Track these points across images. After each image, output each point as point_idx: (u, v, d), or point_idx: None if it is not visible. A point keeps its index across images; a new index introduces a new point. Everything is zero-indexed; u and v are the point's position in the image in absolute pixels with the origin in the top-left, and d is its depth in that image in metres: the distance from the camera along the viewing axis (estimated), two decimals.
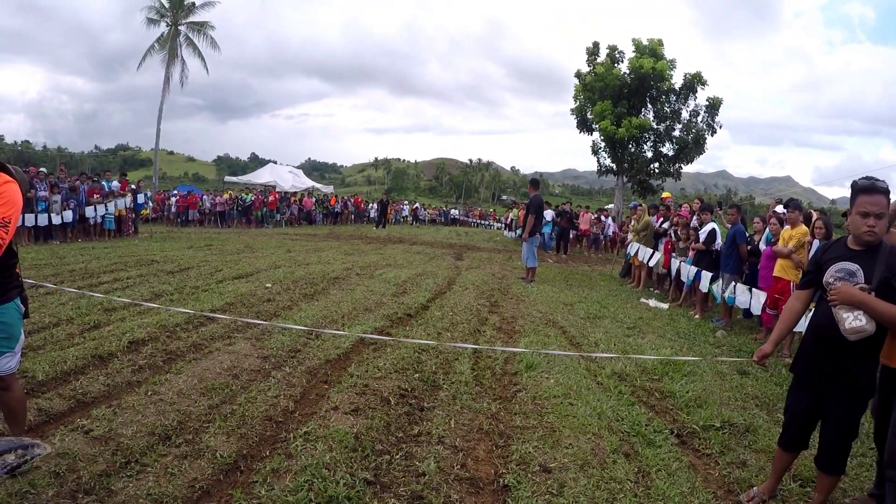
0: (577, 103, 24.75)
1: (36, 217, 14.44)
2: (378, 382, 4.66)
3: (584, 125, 24.74)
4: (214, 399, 4.18)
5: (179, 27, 31.92)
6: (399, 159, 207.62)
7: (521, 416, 4.24)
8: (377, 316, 7.22)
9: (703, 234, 9.78)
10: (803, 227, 7.48)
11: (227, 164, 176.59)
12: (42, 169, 16.58)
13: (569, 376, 5.14)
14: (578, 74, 24.82)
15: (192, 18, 32.22)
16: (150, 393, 4.21)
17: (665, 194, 15.85)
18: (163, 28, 31.76)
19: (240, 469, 3.28)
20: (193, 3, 32.02)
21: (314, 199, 33.41)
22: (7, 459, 1.48)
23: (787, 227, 7.79)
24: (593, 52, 24.53)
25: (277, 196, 29.73)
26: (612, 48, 24.17)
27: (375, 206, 35.55)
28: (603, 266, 17.24)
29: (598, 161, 25.32)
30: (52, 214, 14.95)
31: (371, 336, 6.08)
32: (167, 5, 31.50)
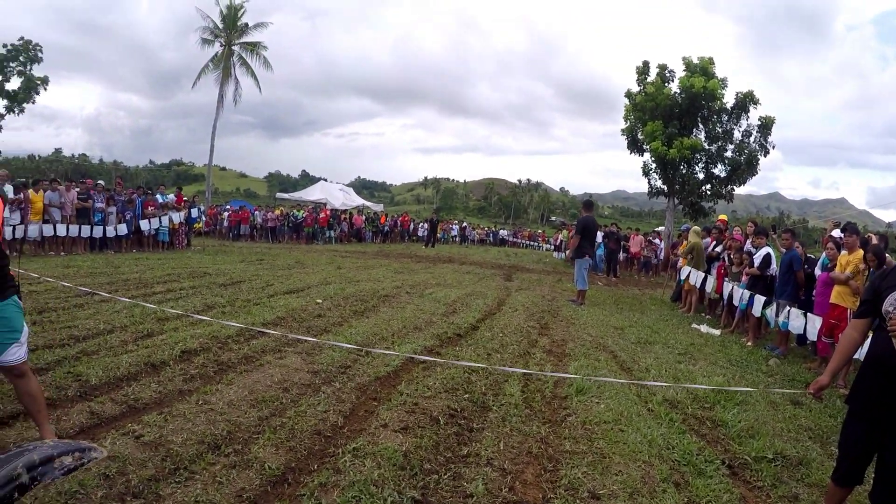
0: (628, 123, 24.48)
1: (91, 228, 14.98)
2: (428, 401, 4.65)
3: (634, 146, 24.43)
4: (264, 411, 4.23)
5: (233, 47, 32.77)
6: (448, 179, 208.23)
7: (570, 440, 4.16)
8: (427, 335, 7.23)
9: (757, 258, 9.52)
10: (860, 252, 7.23)
11: (278, 181, 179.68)
12: (100, 182, 17.18)
13: (619, 402, 5.03)
14: (629, 94, 24.58)
15: (245, 39, 33.04)
16: (200, 402, 4.29)
17: (721, 217, 15.52)
18: (217, 48, 32.67)
19: (287, 481, 3.30)
20: (246, 24, 32.84)
21: (364, 217, 33.72)
22: (65, 461, 1.53)
23: (843, 252, 7.55)
24: (643, 71, 24.27)
25: (328, 213, 30.11)
26: (663, 67, 23.85)
27: (425, 225, 35.70)
28: (653, 290, 16.94)
29: (648, 182, 24.90)
30: (108, 227, 15.49)
31: (421, 357, 6.06)
32: (221, 26, 32.42)
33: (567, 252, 11.21)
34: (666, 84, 23.53)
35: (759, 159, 22.91)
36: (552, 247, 33.62)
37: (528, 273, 18.65)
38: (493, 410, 4.67)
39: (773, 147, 23.00)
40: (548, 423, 4.53)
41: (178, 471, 3.25)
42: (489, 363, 6.07)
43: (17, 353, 3.22)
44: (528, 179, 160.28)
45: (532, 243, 45.74)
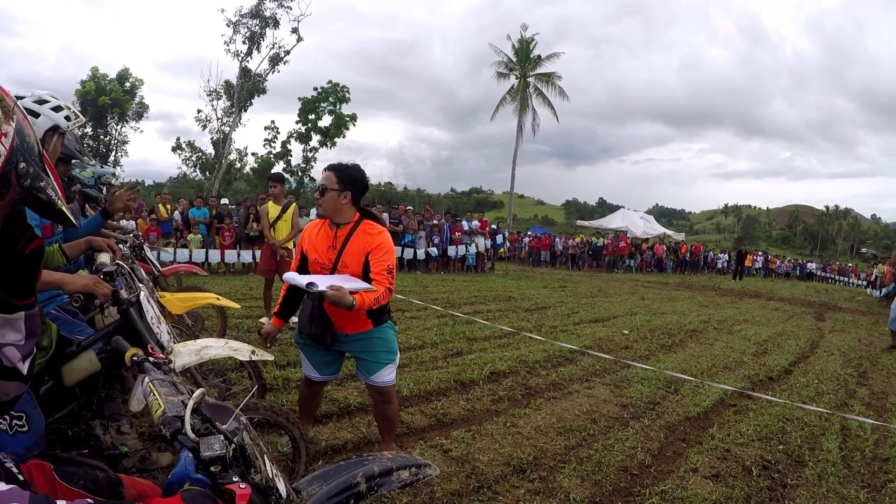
0: None
1: (402, 250, 16.60)
2: (740, 449, 4.35)
3: None
4: (571, 440, 4.27)
5: (528, 79, 34.03)
6: (750, 206, 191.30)
7: None
8: (738, 376, 6.82)
9: None
10: None
11: (576, 208, 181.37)
12: (409, 207, 19.15)
13: None
14: None
15: (539, 70, 34.08)
16: (508, 424, 4.47)
17: None
18: (512, 81, 34.29)
19: None
20: (539, 56, 33.90)
21: (665, 247, 32.57)
22: (402, 475, 1.66)
23: None
24: None
25: (629, 241, 29.66)
26: None
27: (725, 256, 33.54)
28: None
29: None
30: (418, 249, 17.06)
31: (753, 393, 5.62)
32: (515, 60, 33.91)
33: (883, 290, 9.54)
34: None
35: None
36: (865, 283, 29.37)
37: (840, 312, 16.78)
38: (808, 466, 4.20)
39: None
40: (867, 488, 3.94)
41: (482, 489, 3.39)
42: (803, 413, 5.52)
43: (391, 374, 3.37)
44: (836, 206, 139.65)
45: (842, 278, 41.65)
